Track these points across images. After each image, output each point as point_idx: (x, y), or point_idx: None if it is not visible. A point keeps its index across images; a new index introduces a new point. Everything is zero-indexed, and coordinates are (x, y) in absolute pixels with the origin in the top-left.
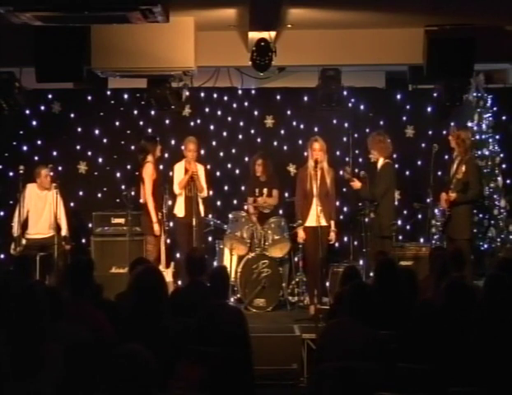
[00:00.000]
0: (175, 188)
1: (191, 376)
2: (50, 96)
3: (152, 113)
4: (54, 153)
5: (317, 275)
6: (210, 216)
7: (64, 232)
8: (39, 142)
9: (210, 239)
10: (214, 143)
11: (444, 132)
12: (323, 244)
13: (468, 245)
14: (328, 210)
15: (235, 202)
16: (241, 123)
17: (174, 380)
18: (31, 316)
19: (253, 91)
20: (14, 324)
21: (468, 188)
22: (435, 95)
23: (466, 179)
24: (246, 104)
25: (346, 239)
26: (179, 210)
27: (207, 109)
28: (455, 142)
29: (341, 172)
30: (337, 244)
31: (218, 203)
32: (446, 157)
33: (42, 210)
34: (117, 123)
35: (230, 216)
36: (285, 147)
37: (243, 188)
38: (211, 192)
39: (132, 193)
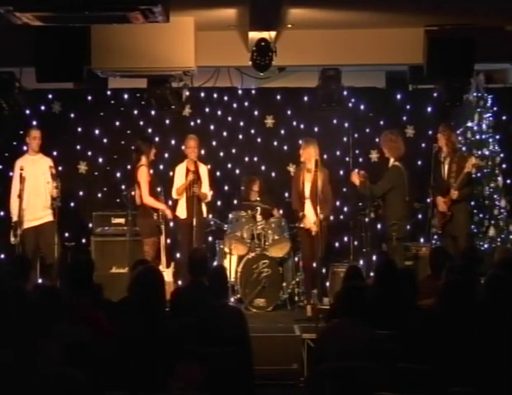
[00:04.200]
0: (173, 193)
1: (191, 376)
2: (50, 96)
3: (152, 113)
4: (54, 153)
5: (313, 275)
6: (210, 215)
7: (54, 194)
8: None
9: (210, 239)
10: (214, 143)
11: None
12: (321, 244)
13: (470, 240)
14: (321, 211)
15: (235, 202)
16: (241, 123)
17: (174, 380)
18: (21, 317)
19: (253, 91)
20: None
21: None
22: (435, 95)
23: (469, 174)
24: (246, 104)
25: (346, 239)
26: (181, 211)
27: (207, 109)
28: (445, 143)
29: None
30: (337, 244)
31: (218, 203)
32: None
33: (37, 180)
34: (117, 123)
35: (230, 216)
36: (285, 147)
37: (243, 187)
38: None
39: (133, 193)
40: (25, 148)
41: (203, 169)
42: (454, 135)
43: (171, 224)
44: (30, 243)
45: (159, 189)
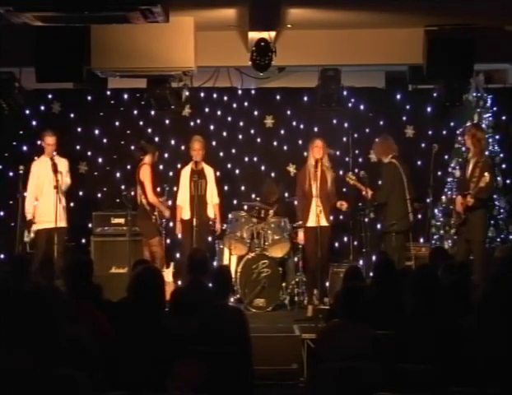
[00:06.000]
0: (178, 202)
1: (190, 376)
2: (50, 96)
3: (152, 113)
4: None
5: (316, 275)
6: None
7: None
8: (39, 142)
9: (210, 239)
10: (214, 143)
11: (445, 132)
12: (323, 245)
13: (484, 246)
14: (329, 210)
15: (234, 202)
16: (241, 123)
17: (173, 380)
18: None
19: (252, 91)
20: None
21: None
22: (434, 95)
23: (489, 186)
24: (246, 104)
25: (345, 239)
26: (185, 212)
27: (206, 109)
28: (471, 142)
29: (347, 179)
30: (337, 244)
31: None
32: (446, 157)
33: (51, 182)
34: (117, 123)
35: (230, 216)
36: (285, 147)
37: (243, 187)
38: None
39: (132, 193)
40: (24, 148)
41: (209, 171)
42: (481, 133)
43: (171, 224)
44: (42, 243)
45: (166, 187)
